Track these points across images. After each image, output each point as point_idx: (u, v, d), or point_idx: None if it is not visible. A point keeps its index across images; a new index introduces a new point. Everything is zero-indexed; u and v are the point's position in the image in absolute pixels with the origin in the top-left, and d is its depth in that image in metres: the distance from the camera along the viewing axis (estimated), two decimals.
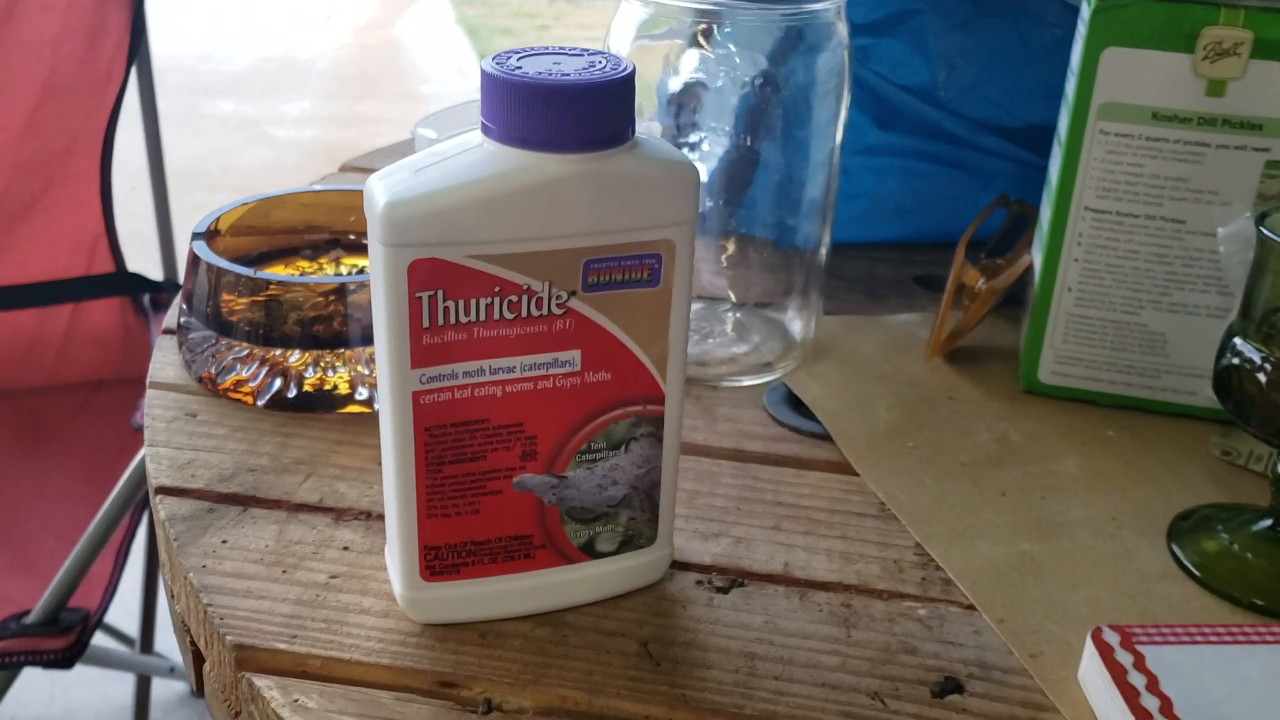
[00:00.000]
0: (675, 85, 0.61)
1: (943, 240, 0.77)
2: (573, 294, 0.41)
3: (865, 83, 0.75)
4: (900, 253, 0.78)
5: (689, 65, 0.60)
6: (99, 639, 1.36)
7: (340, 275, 0.66)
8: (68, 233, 1.29)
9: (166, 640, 1.40)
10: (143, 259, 1.38)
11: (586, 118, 0.39)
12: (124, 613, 1.41)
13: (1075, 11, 0.64)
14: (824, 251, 0.64)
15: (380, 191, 0.39)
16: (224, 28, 4.93)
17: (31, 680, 1.46)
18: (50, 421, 1.28)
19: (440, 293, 0.40)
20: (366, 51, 4.79)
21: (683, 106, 0.61)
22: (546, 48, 0.41)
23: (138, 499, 1.01)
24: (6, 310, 1.29)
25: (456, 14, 5.42)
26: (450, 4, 5.57)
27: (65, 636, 0.98)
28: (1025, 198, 0.71)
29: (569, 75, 0.39)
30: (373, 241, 0.40)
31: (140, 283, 1.32)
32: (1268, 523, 0.50)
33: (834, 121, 0.60)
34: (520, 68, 0.39)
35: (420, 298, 0.40)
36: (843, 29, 0.58)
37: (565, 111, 0.38)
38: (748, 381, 0.62)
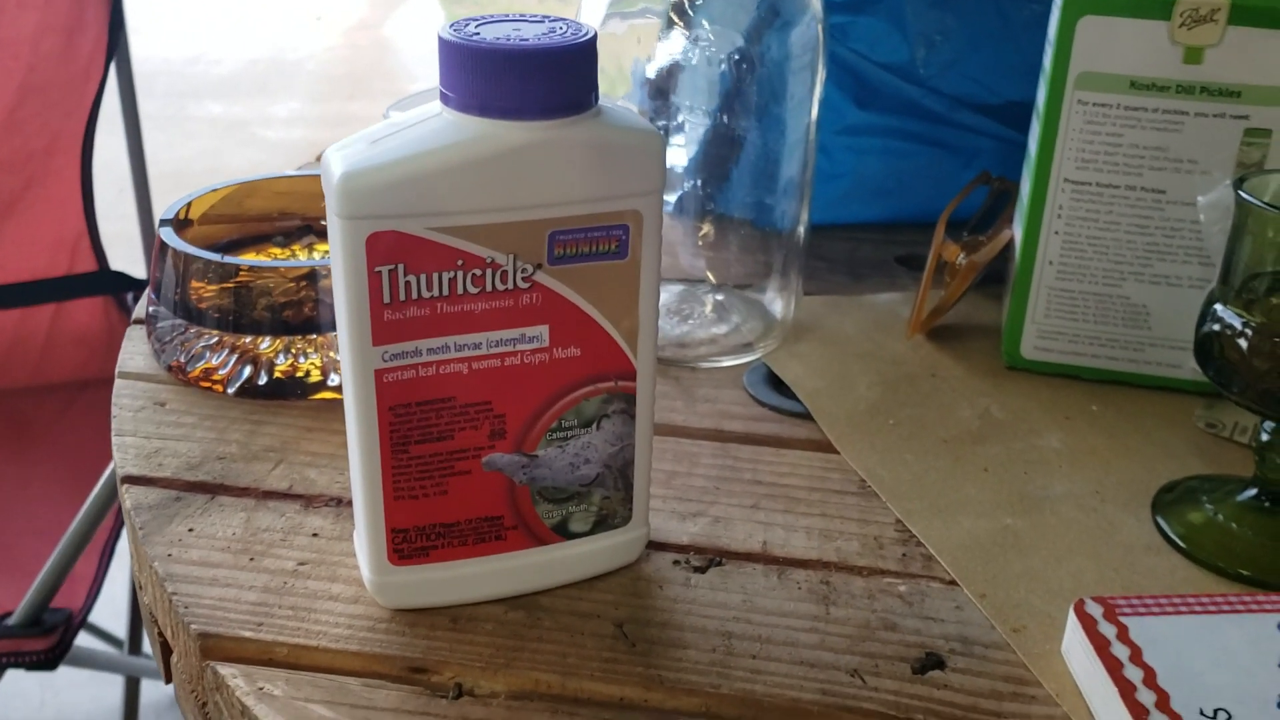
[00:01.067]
0: (650, 67, 0.60)
1: (925, 220, 0.76)
2: (538, 267, 0.40)
3: (844, 61, 0.74)
4: (882, 233, 0.77)
5: (664, 45, 0.59)
6: (87, 640, 1.36)
7: (311, 260, 0.65)
8: (49, 232, 1.28)
9: None
10: (131, 262, 1.37)
11: (547, 83, 0.38)
12: (112, 614, 1.40)
13: None
14: (803, 230, 0.63)
15: (337, 163, 0.38)
16: (212, 30, 4.92)
17: (21, 685, 1.45)
18: (33, 422, 1.27)
19: (401, 267, 0.39)
20: (356, 52, 4.78)
21: (658, 87, 0.61)
22: (506, 15, 0.40)
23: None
24: None
25: (446, 13, 5.41)
26: (440, 3, 5.56)
27: (48, 637, 0.97)
28: (1007, 175, 0.70)
29: (528, 40, 0.38)
30: (330, 215, 0.39)
31: (123, 281, 1.32)
32: (1252, 492, 0.49)
33: (809, 98, 0.60)
34: (479, 34, 0.38)
35: (380, 272, 0.39)
36: (817, 3, 0.58)
37: (525, 77, 0.38)
38: (728, 362, 0.62)
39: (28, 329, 1.30)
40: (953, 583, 0.47)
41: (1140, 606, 0.42)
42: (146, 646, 1.39)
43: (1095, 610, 0.42)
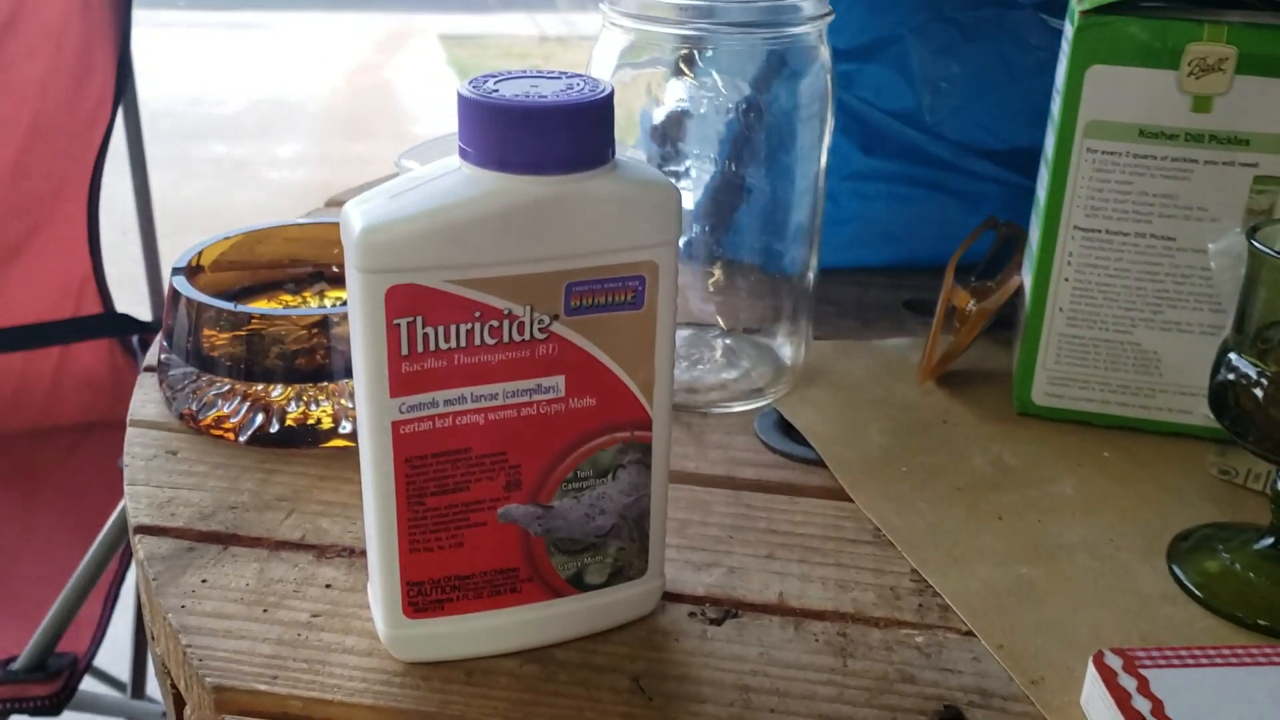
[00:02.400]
0: (659, 113, 0.61)
1: (932, 264, 0.76)
2: (555, 318, 0.40)
3: (851, 108, 0.74)
4: (890, 277, 0.77)
5: (672, 93, 0.60)
6: (90, 684, 1.35)
7: (323, 308, 0.65)
8: (55, 275, 1.28)
9: (158, 686, 1.38)
10: (136, 302, 1.37)
11: (564, 139, 0.38)
12: (115, 657, 1.39)
13: (1058, 34, 0.64)
14: (812, 276, 0.63)
15: (357, 217, 0.39)
16: (215, 71, 4.95)
17: None
18: (38, 465, 1.27)
19: (419, 319, 0.39)
20: (358, 93, 4.81)
21: (667, 134, 0.61)
22: (524, 71, 0.41)
23: (126, 541, 1.00)
24: None
25: (448, 55, 5.45)
26: (441, 45, 5.60)
27: (53, 682, 0.96)
28: (1013, 220, 0.70)
29: (546, 97, 0.38)
30: (349, 268, 0.39)
31: (128, 323, 1.32)
32: (1269, 541, 0.49)
33: (818, 145, 0.60)
34: (497, 90, 0.39)
35: (399, 324, 0.39)
36: (825, 53, 0.58)
37: (543, 133, 0.38)
38: (739, 408, 0.62)
39: (34, 372, 1.30)
40: (970, 633, 0.46)
41: (1160, 659, 0.42)
42: (150, 690, 1.38)
43: (1115, 662, 0.42)
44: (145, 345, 1.32)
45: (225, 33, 5.63)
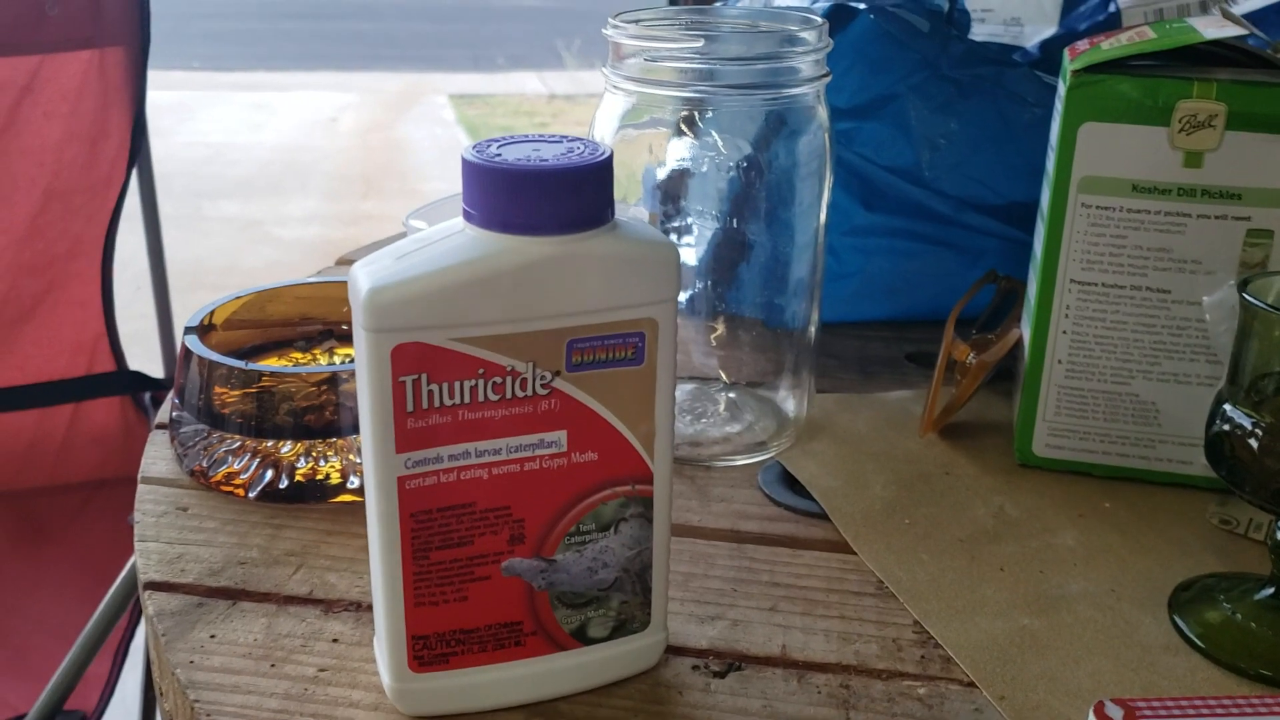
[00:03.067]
0: (661, 172, 0.62)
1: (933, 318, 0.77)
2: (557, 374, 0.41)
3: (850, 165, 0.76)
4: (891, 331, 0.78)
5: (674, 153, 0.61)
6: None
7: (332, 365, 0.66)
8: (68, 333, 1.30)
9: None
10: (147, 360, 1.39)
11: (565, 201, 0.39)
12: (124, 715, 1.39)
13: (1053, 90, 0.65)
14: (814, 330, 0.64)
15: (364, 278, 0.40)
16: (228, 131, 5.01)
17: None
18: (49, 522, 1.28)
19: (424, 376, 0.40)
20: (369, 153, 4.86)
21: (669, 192, 0.62)
22: (526, 135, 0.42)
23: (135, 598, 1.00)
24: (8, 411, 1.30)
25: (457, 114, 5.52)
26: (451, 105, 5.67)
27: None
28: (1013, 273, 0.71)
29: (547, 160, 0.39)
30: (356, 328, 0.40)
31: (141, 381, 1.33)
32: (1269, 591, 0.50)
33: (818, 202, 0.61)
34: (500, 154, 0.40)
35: (404, 382, 0.40)
36: (823, 112, 0.59)
37: (544, 195, 0.39)
38: (741, 461, 0.62)
39: (46, 429, 1.31)
40: (972, 684, 0.47)
41: (1161, 709, 0.42)
42: None
43: (1115, 713, 0.42)
44: (157, 403, 1.33)
45: (238, 93, 5.71)
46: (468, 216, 0.40)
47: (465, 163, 0.40)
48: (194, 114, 5.19)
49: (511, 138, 0.41)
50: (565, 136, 0.41)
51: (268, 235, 3.77)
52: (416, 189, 4.30)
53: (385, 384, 0.40)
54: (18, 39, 1.23)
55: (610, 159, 0.40)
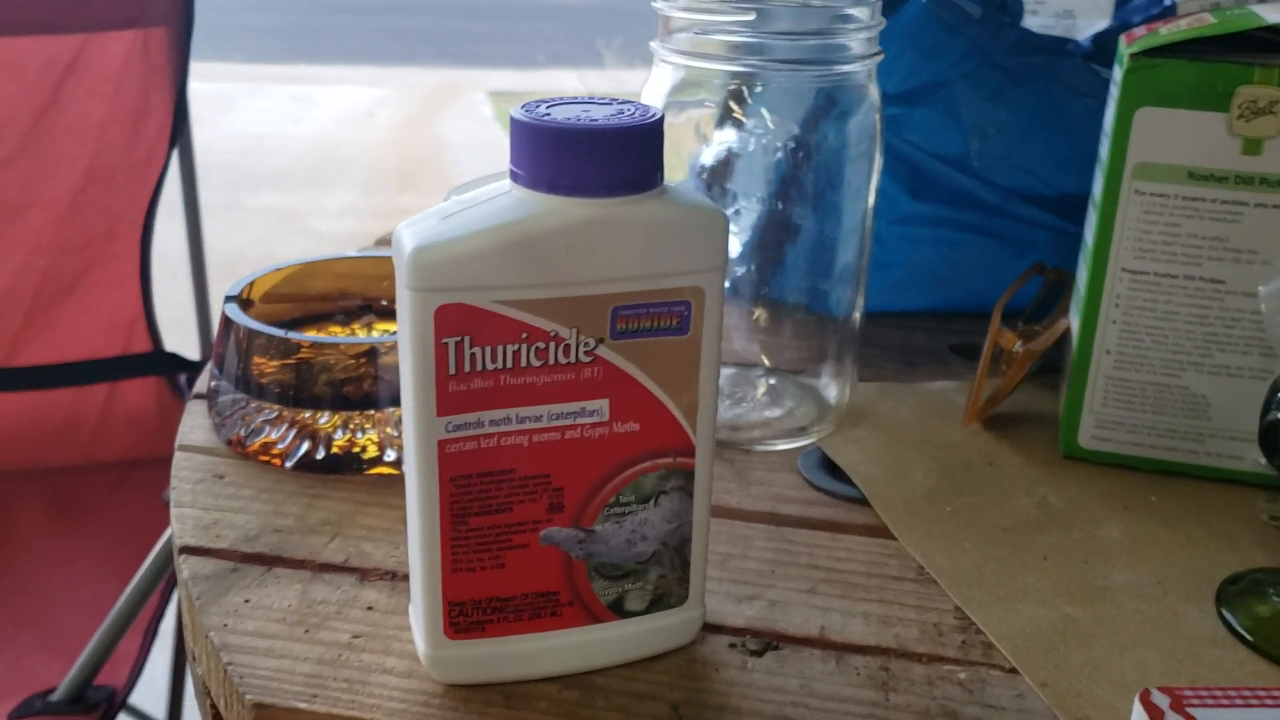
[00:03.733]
0: (707, 153, 0.61)
1: (977, 310, 0.76)
2: (600, 341, 0.41)
3: (898, 152, 0.75)
4: (936, 321, 0.77)
5: (721, 132, 0.60)
6: None
7: (371, 337, 0.66)
8: (106, 313, 1.31)
9: None
10: (185, 344, 1.39)
11: (614, 162, 0.39)
12: (152, 695, 1.39)
13: (1106, 82, 0.64)
14: (858, 316, 0.63)
15: (408, 237, 0.39)
16: (268, 123, 5.05)
17: None
18: (83, 501, 1.28)
19: (467, 339, 0.39)
20: (406, 147, 4.88)
21: (715, 173, 0.61)
22: (575, 97, 0.41)
23: (167, 575, 1.00)
24: (45, 389, 1.30)
25: (495, 110, 5.52)
26: (489, 101, 5.68)
27: (91, 714, 0.97)
28: (1061, 266, 0.70)
29: (597, 120, 0.39)
30: (400, 287, 0.39)
31: (176, 362, 1.33)
32: None
33: (866, 185, 0.60)
34: (549, 114, 0.39)
35: (447, 344, 0.39)
36: (874, 92, 0.58)
37: (593, 155, 0.38)
38: (781, 446, 0.61)
39: (82, 408, 1.31)
40: (1013, 671, 0.46)
41: (1209, 698, 0.41)
42: None
43: (1162, 701, 0.41)
44: (192, 384, 1.34)
45: (278, 85, 5.75)
46: (514, 177, 0.40)
47: (514, 121, 0.39)
48: (234, 105, 5.23)
49: (561, 99, 0.41)
50: (616, 99, 0.41)
51: (305, 227, 3.79)
52: (453, 184, 4.31)
53: (428, 345, 0.39)
54: (63, 18, 1.24)
55: (661, 121, 0.39)
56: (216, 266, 1.43)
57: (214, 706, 0.46)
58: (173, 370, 1.34)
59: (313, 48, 6.76)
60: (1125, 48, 0.57)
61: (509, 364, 0.40)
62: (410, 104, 5.61)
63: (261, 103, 5.43)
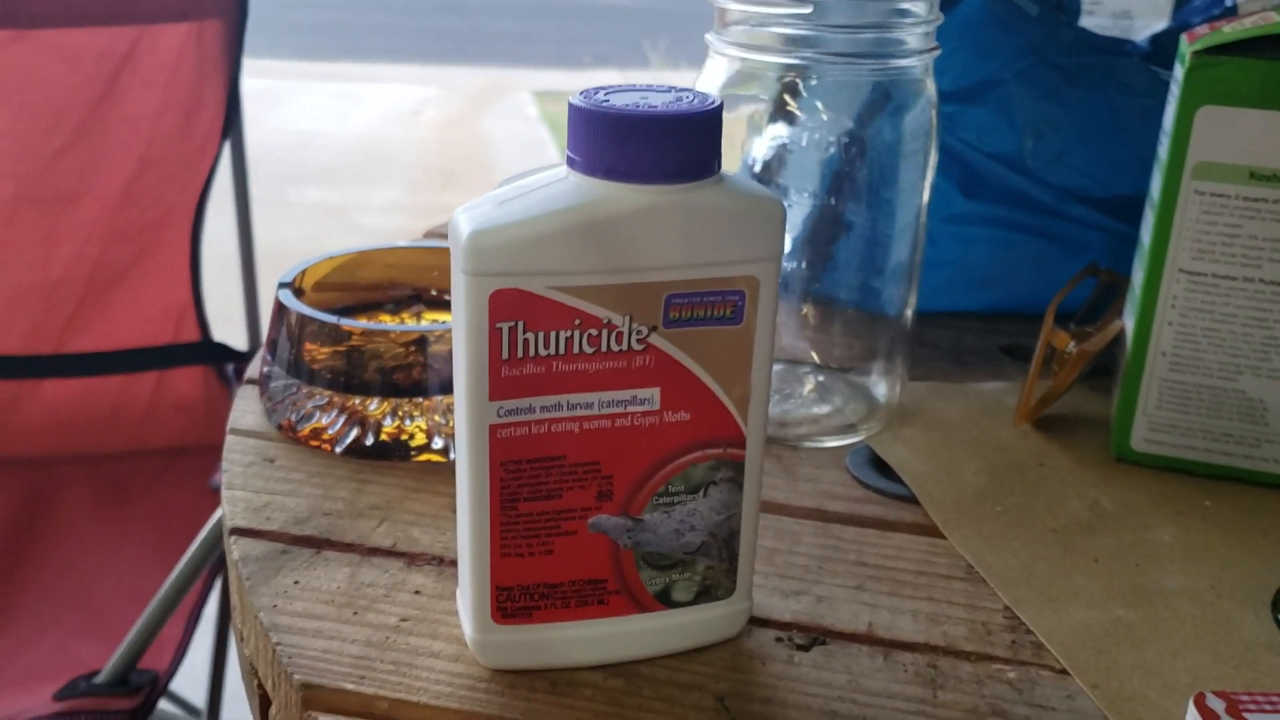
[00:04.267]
0: (760, 146, 0.61)
1: (1028, 311, 0.75)
2: (653, 329, 0.40)
3: (951, 150, 0.74)
4: (985, 322, 0.76)
5: (773, 128, 0.60)
6: (167, 707, 1.36)
7: (421, 325, 0.66)
8: (156, 301, 1.32)
9: (231, 712, 1.39)
10: (232, 336, 1.40)
11: (672, 148, 0.38)
12: (193, 684, 1.41)
13: (1164, 83, 0.63)
14: (910, 314, 0.62)
15: (465, 222, 0.39)
16: (315, 119, 5.09)
17: None
18: (130, 487, 1.30)
19: (520, 324, 0.39)
20: (452, 146, 4.90)
21: (768, 167, 0.61)
22: (634, 85, 0.41)
23: (212, 561, 1.01)
24: (95, 376, 1.32)
25: (540, 110, 5.54)
26: (535, 101, 5.70)
27: (133, 697, 0.98)
28: (1114, 268, 0.69)
29: (656, 107, 0.39)
30: (455, 271, 0.40)
31: (225, 352, 1.35)
32: None
33: (921, 182, 0.60)
34: (607, 100, 0.39)
35: (500, 328, 0.39)
36: (931, 87, 0.58)
37: (651, 142, 0.38)
38: (830, 443, 0.61)
39: (131, 395, 1.33)
40: (1064, 672, 0.45)
41: (1265, 703, 0.40)
42: (224, 716, 1.39)
43: (1217, 705, 0.40)
44: (239, 374, 1.35)
45: (325, 83, 5.79)
46: (571, 163, 0.40)
47: (572, 107, 0.39)
48: (282, 102, 5.27)
49: (619, 86, 0.41)
50: (674, 86, 0.41)
51: (350, 223, 3.81)
52: (496, 182, 4.33)
53: (482, 329, 0.39)
54: (120, 10, 1.25)
55: (720, 108, 0.39)
56: (264, 259, 1.44)
57: (261, 687, 0.47)
58: (221, 360, 1.35)
59: (360, 46, 6.81)
60: (1187, 46, 0.56)
61: (561, 350, 0.40)
62: (456, 103, 5.64)
63: (309, 100, 5.47)
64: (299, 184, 4.12)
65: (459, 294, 0.40)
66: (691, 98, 0.40)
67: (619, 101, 0.39)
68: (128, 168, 1.28)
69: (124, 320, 1.32)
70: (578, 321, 0.40)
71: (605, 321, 0.40)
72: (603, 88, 0.41)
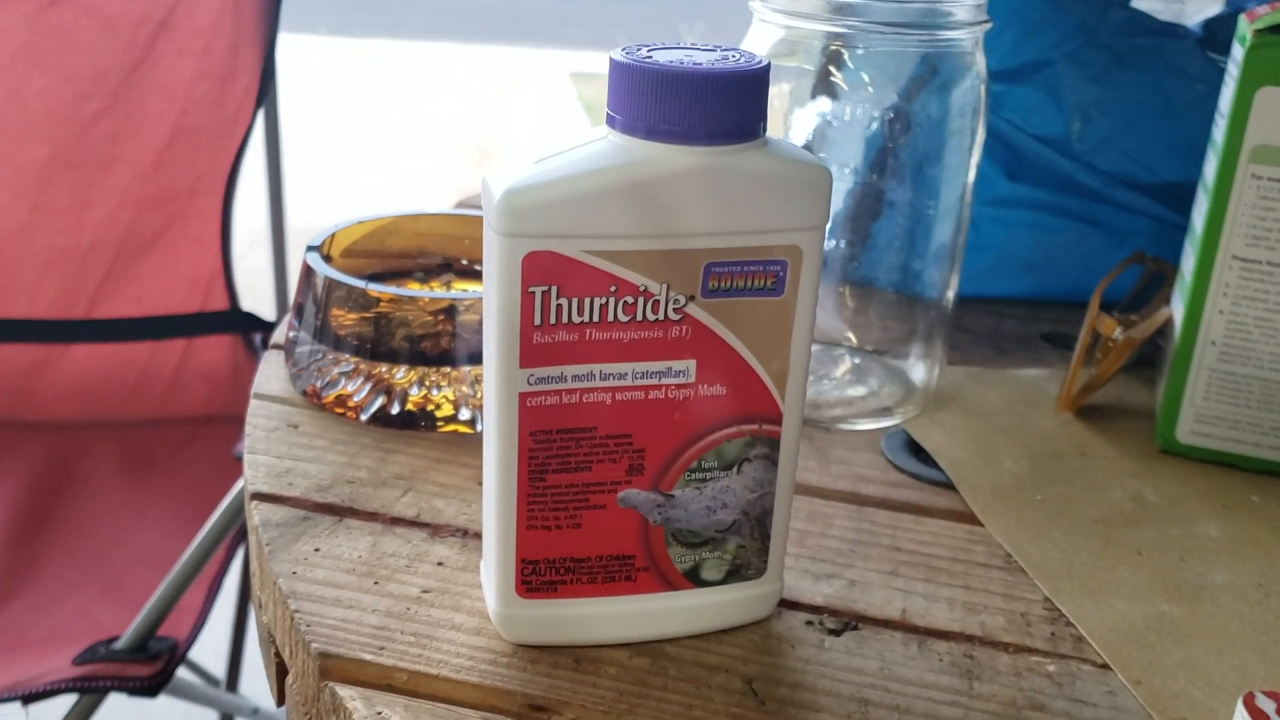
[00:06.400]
0: (803, 118, 0.59)
1: (1071, 299, 0.73)
2: (691, 299, 0.39)
3: (996, 131, 0.72)
4: (1026, 309, 0.75)
5: (815, 102, 0.58)
6: (186, 675, 1.36)
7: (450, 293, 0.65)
8: (186, 269, 1.31)
9: (250, 682, 1.39)
10: (260, 307, 1.39)
11: (716, 108, 0.37)
12: (212, 653, 1.41)
13: (1219, 68, 0.61)
14: (951, 297, 0.61)
15: (499, 180, 0.38)
16: (348, 95, 5.09)
17: (120, 712, 1.46)
18: (155, 454, 1.29)
19: (554, 289, 0.38)
20: (485, 125, 4.89)
21: (811, 141, 0.60)
22: (678, 44, 0.40)
23: (234, 530, 1.01)
24: (123, 342, 1.31)
25: (576, 91, 5.52)
26: (570, 82, 5.68)
27: (152, 664, 0.97)
28: (1160, 256, 0.68)
29: (701, 65, 0.37)
30: (488, 231, 0.38)
31: (252, 321, 1.34)
32: None
33: (966, 161, 0.58)
34: (650, 57, 0.38)
35: (533, 293, 0.38)
36: (980, 62, 0.56)
37: (695, 100, 0.37)
38: (865, 425, 0.60)
39: (158, 362, 1.32)
40: (1105, 666, 0.44)
41: None
42: (243, 686, 1.39)
43: (1268, 706, 0.39)
44: (266, 344, 1.34)
45: (361, 59, 5.79)
46: (611, 122, 0.38)
47: (613, 63, 0.38)
48: (317, 77, 5.27)
49: (663, 44, 0.39)
50: (719, 45, 0.39)
51: (380, 198, 3.81)
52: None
53: (514, 293, 0.38)
54: None
55: (768, 69, 0.38)
56: (292, 234, 1.43)
57: (278, 655, 0.46)
58: (249, 329, 1.34)
59: (398, 23, 6.81)
60: (1247, 25, 0.54)
61: (595, 317, 0.39)
62: (491, 82, 5.62)
63: (343, 75, 5.47)
64: (330, 160, 4.12)
65: (490, 256, 0.38)
66: (738, 56, 0.38)
67: (662, 58, 0.38)
68: (161, 134, 1.27)
69: (153, 287, 1.31)
70: (613, 288, 0.39)
71: (642, 289, 0.39)
72: (645, 44, 0.39)
